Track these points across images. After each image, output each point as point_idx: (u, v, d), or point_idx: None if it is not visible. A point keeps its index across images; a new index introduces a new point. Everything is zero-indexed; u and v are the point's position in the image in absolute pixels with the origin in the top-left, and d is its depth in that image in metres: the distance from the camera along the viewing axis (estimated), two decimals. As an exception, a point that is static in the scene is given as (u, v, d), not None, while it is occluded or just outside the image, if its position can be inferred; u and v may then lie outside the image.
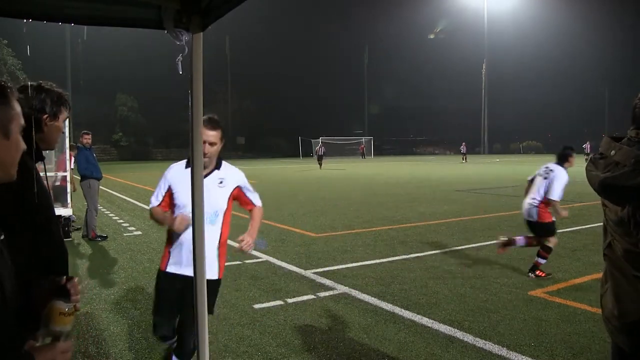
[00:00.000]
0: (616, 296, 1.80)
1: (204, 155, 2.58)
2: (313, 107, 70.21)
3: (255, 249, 7.15)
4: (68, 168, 8.79)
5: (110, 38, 53.62)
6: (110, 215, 10.88)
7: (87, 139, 8.38)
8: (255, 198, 3.18)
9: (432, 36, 79.35)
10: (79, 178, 8.44)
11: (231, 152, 61.81)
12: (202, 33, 2.03)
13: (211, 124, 2.78)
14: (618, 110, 58.93)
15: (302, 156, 54.26)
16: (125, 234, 8.62)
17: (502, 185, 17.48)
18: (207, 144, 2.73)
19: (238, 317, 4.37)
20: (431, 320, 4.20)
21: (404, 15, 75.62)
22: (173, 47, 2.00)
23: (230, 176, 2.99)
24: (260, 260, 6.53)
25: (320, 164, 32.00)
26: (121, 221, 10.04)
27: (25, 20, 2.05)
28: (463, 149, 42.42)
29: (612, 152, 1.72)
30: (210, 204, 2.58)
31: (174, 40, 1.99)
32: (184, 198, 2.83)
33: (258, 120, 66.75)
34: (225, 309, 4.58)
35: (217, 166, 2.94)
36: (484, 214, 10.36)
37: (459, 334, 3.92)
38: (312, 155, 37.36)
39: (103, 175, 8.71)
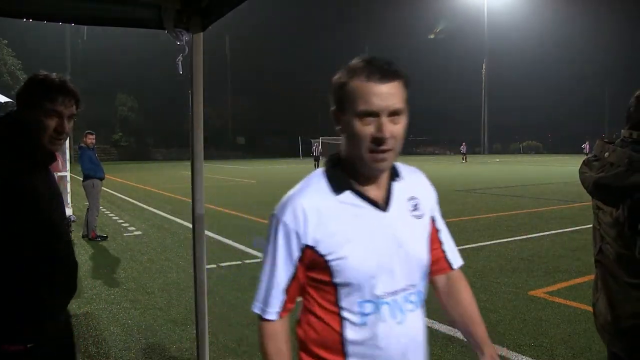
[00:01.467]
0: (609, 302, 1.80)
1: (384, 144, 1.17)
2: (313, 107, 70.15)
3: (255, 249, 7.15)
4: (68, 168, 8.80)
5: (110, 38, 53.64)
6: (110, 215, 10.87)
7: (91, 139, 8.39)
8: (453, 244, 1.49)
9: (432, 36, 79.39)
10: (81, 178, 8.45)
11: (231, 152, 61.86)
12: (202, 33, 2.03)
13: (382, 71, 1.17)
14: (618, 110, 59.00)
15: (302, 156, 54.28)
16: (125, 234, 8.62)
17: (502, 185, 17.48)
18: (384, 119, 1.17)
19: (238, 317, 4.37)
20: (431, 320, 4.20)
21: (404, 15, 75.65)
22: (173, 47, 2.00)
23: (423, 192, 1.45)
24: (260, 260, 6.51)
25: (315, 165, 30.67)
26: (121, 221, 10.04)
27: (25, 20, 2.04)
28: (463, 149, 42.42)
29: (606, 154, 1.73)
30: (409, 260, 1.27)
31: (174, 40, 1.99)
32: (364, 262, 1.21)
33: (258, 120, 66.78)
34: (225, 309, 4.58)
35: (395, 172, 1.35)
36: (484, 214, 10.36)
37: (458, 334, 3.91)
38: (312, 155, 37.23)
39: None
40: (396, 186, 1.32)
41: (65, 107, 1.73)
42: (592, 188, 1.77)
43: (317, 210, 1.21)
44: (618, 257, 1.72)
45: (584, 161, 1.86)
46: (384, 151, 1.18)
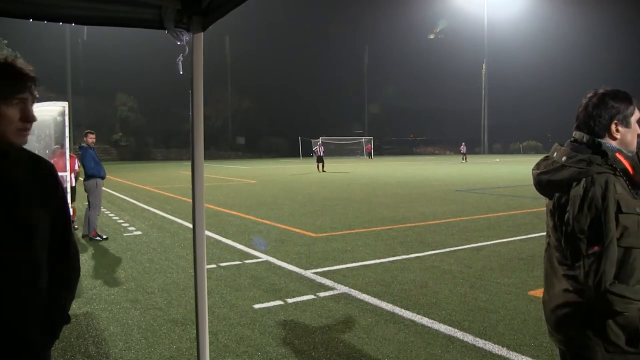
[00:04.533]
0: (548, 290, 1.91)
1: None
2: (313, 107, 70.22)
3: (255, 249, 7.16)
4: (68, 167, 8.79)
5: (110, 38, 53.67)
6: (110, 215, 10.87)
7: (92, 139, 8.39)
8: None
9: (432, 36, 79.36)
10: (82, 178, 8.44)
11: (231, 152, 61.87)
12: (202, 33, 2.03)
13: None
14: (618, 110, 58.78)
15: (302, 156, 54.29)
16: (125, 234, 8.62)
17: (502, 185, 17.48)
18: None
19: (238, 317, 4.37)
20: (431, 320, 4.20)
21: (404, 16, 75.65)
22: (173, 47, 2.00)
23: None
24: (260, 260, 6.53)
25: (319, 166, 27.82)
26: (121, 221, 10.04)
27: (25, 20, 2.04)
28: (463, 149, 42.40)
29: (555, 154, 1.86)
30: None
31: (175, 40, 1.99)
32: None
33: (258, 120, 66.78)
34: (225, 309, 4.59)
35: None
36: (484, 214, 10.36)
37: (459, 334, 3.92)
38: (312, 155, 36.99)
39: (103, 175, 8.72)
40: None
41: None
42: (535, 184, 1.90)
43: None
44: (555, 247, 1.84)
45: (538, 161, 1.97)
46: None
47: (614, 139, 1.77)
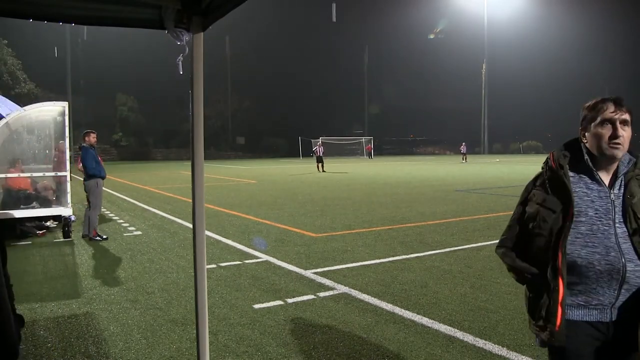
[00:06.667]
0: None
1: None
2: (313, 107, 70.24)
3: (255, 249, 7.16)
4: (68, 167, 8.79)
5: (110, 38, 53.70)
6: (110, 215, 10.87)
7: (94, 138, 8.36)
8: None
9: (432, 36, 79.36)
10: (82, 178, 8.42)
11: (231, 152, 61.88)
12: (202, 33, 2.03)
13: None
14: (618, 110, 58.66)
15: (302, 156, 54.28)
16: (125, 234, 8.62)
17: (502, 185, 17.48)
18: None
19: (238, 317, 4.37)
20: (431, 320, 4.20)
21: (404, 16, 75.63)
22: (173, 47, 2.00)
23: None
24: (260, 260, 6.53)
25: (319, 166, 27.83)
26: (121, 221, 10.04)
27: (25, 20, 2.04)
28: (463, 149, 42.39)
29: None
30: None
31: (175, 41, 1.99)
32: None
33: (258, 120, 66.80)
34: (225, 309, 4.59)
35: None
36: (484, 214, 10.36)
37: (459, 334, 3.92)
38: (312, 155, 36.94)
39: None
40: None
41: None
42: None
43: None
44: None
45: None
46: None
47: (587, 142, 1.94)
